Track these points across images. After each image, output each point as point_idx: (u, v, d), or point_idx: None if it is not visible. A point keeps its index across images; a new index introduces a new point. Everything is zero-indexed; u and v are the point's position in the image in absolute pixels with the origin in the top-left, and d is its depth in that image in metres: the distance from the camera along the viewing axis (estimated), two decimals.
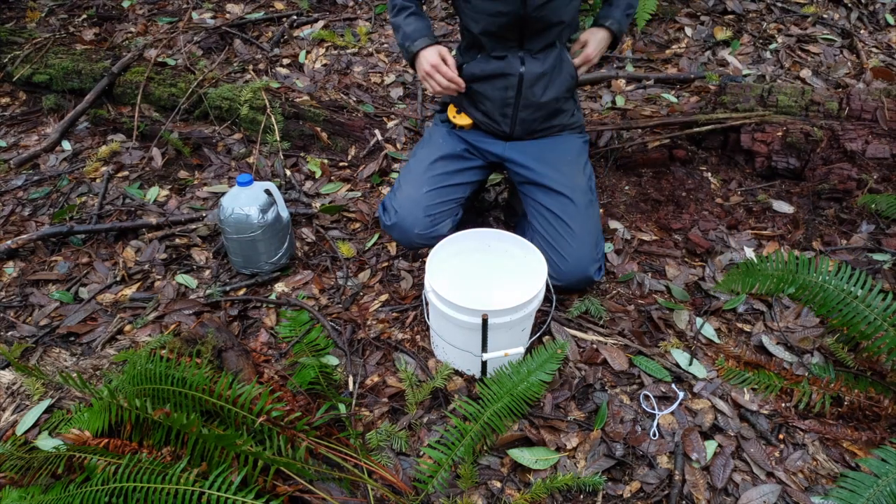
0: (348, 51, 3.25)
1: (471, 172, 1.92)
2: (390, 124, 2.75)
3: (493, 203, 2.32)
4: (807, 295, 1.54)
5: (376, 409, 1.64)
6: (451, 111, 1.93)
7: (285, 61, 3.15)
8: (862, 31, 3.19)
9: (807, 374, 1.70)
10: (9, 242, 2.13)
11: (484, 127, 1.89)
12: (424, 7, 1.86)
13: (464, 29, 1.80)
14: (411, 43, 1.74)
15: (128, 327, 1.89)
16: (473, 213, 2.19)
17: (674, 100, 2.79)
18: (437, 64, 1.70)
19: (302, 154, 2.60)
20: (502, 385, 1.52)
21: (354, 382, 1.70)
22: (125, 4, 3.55)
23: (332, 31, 3.37)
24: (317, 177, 2.50)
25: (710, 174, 2.43)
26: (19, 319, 1.94)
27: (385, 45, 3.31)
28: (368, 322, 1.88)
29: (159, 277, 2.07)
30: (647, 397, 1.65)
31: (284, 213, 2.01)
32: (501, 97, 1.79)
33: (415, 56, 1.74)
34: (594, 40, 1.83)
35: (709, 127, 2.44)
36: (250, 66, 3.06)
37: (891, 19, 3.27)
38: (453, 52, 1.81)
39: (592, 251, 1.81)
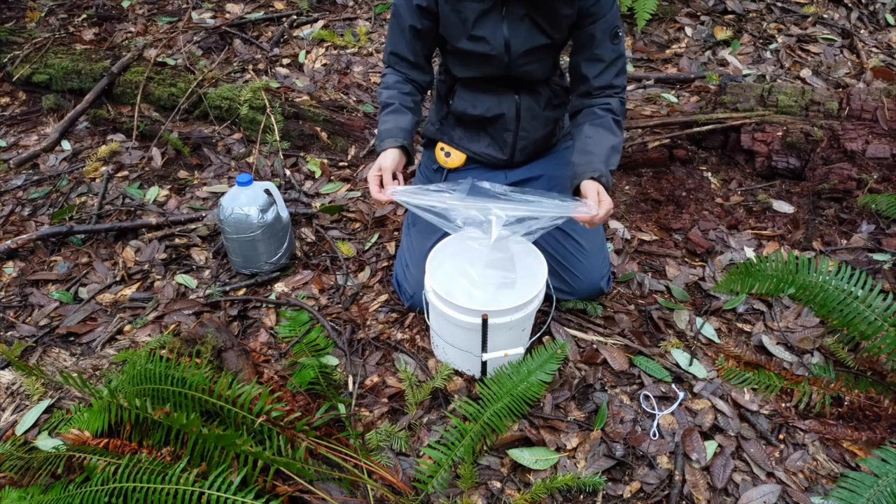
0: (348, 51, 3.25)
1: None
2: None
3: None
4: (807, 295, 1.53)
5: (376, 409, 1.64)
6: (440, 155, 1.84)
7: (285, 61, 3.15)
8: (862, 31, 3.19)
9: (807, 374, 1.70)
10: (8, 242, 2.13)
11: (481, 159, 1.82)
12: (419, 97, 1.75)
13: (448, 71, 1.75)
14: (379, 143, 1.64)
15: (127, 327, 1.89)
16: None
17: (674, 100, 2.79)
18: (375, 177, 1.55)
19: (302, 154, 2.60)
20: (502, 385, 1.52)
21: (354, 382, 1.70)
22: (125, 4, 3.54)
23: (331, 30, 3.37)
24: (317, 177, 2.50)
25: (710, 174, 2.43)
26: (19, 319, 1.94)
27: (384, 45, 3.31)
28: (368, 322, 1.88)
29: (159, 277, 2.07)
30: (647, 397, 1.65)
31: (284, 213, 2.01)
32: (500, 124, 1.74)
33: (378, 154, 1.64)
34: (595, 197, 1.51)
35: (709, 127, 2.44)
36: (250, 66, 3.06)
37: (891, 19, 3.27)
38: (426, 117, 1.75)
39: (602, 264, 1.81)
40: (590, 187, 1.50)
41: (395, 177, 1.57)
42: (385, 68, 1.77)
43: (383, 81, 1.74)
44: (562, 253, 1.78)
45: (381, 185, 1.54)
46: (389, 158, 1.57)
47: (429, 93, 1.85)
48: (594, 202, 1.46)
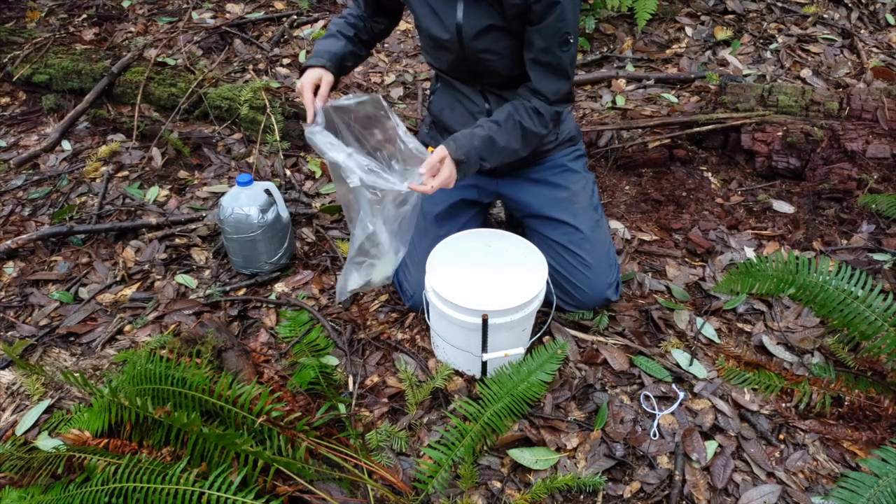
0: None
1: (471, 223, 1.87)
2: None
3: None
4: (807, 295, 1.53)
5: (376, 410, 1.64)
6: None
7: (285, 61, 3.15)
8: (862, 31, 3.19)
9: (807, 374, 1.70)
10: (9, 242, 2.13)
11: None
12: (366, 36, 1.76)
13: (431, 67, 1.76)
14: (307, 59, 1.66)
15: (128, 327, 1.89)
16: None
17: (674, 100, 2.79)
18: (305, 86, 1.58)
19: (302, 154, 2.60)
20: (502, 385, 1.52)
21: (354, 382, 1.70)
22: (125, 4, 3.54)
23: None
24: (317, 176, 2.50)
25: (710, 174, 2.43)
26: (19, 319, 1.94)
27: (385, 45, 3.31)
28: (368, 322, 1.88)
29: (159, 277, 2.07)
30: (647, 397, 1.65)
31: (284, 213, 2.01)
32: (472, 116, 1.71)
33: (302, 71, 1.65)
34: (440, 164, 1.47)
35: (709, 127, 2.44)
36: (250, 66, 3.06)
37: (891, 19, 3.26)
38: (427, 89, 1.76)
39: (608, 274, 1.78)
40: (437, 152, 1.45)
41: (316, 93, 1.59)
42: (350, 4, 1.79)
43: (340, 14, 1.80)
44: (564, 266, 1.76)
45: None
46: (309, 76, 1.60)
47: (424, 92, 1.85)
48: (427, 168, 1.43)
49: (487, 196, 1.89)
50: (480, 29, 1.52)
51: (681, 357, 1.74)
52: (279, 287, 2.01)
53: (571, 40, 1.51)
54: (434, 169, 1.44)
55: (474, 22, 1.52)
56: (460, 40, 1.56)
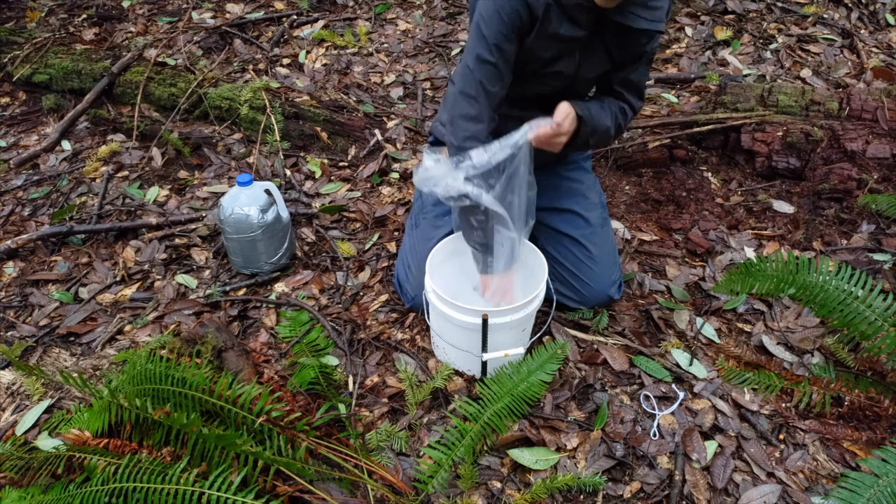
0: (348, 50, 3.25)
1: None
2: (390, 124, 2.75)
3: None
4: (807, 295, 1.53)
5: (376, 410, 1.64)
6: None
7: (285, 61, 3.15)
8: (862, 31, 3.19)
9: (807, 374, 1.70)
10: (9, 242, 2.13)
11: None
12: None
13: None
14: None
15: (128, 327, 1.89)
16: None
17: (674, 100, 2.79)
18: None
19: (302, 154, 2.60)
20: (502, 385, 1.52)
21: (354, 382, 1.70)
22: (125, 4, 3.54)
23: (332, 30, 3.37)
24: (317, 177, 2.50)
25: (710, 174, 2.43)
26: (19, 319, 1.94)
27: (385, 45, 3.31)
28: (368, 322, 1.88)
29: (159, 277, 2.07)
30: (647, 397, 1.65)
31: (284, 213, 2.01)
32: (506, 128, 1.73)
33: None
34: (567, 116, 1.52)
35: (709, 127, 2.44)
36: (250, 66, 3.06)
37: (891, 19, 3.26)
38: None
39: (612, 271, 1.80)
40: (563, 106, 1.48)
41: None
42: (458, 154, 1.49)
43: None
44: (571, 260, 1.77)
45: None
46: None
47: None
48: (561, 116, 1.46)
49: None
50: (596, 74, 1.58)
51: (681, 357, 1.74)
52: (279, 287, 2.01)
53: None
54: (565, 116, 1.47)
55: (590, 67, 1.56)
56: (574, 78, 1.57)
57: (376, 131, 2.65)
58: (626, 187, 2.40)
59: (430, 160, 1.48)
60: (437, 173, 1.46)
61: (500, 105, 1.53)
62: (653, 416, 1.60)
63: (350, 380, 1.70)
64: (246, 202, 1.90)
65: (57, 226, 2.22)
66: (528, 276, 1.68)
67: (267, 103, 2.62)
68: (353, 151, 2.62)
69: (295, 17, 3.46)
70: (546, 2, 1.40)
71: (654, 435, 1.56)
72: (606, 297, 1.81)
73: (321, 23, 3.42)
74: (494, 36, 1.43)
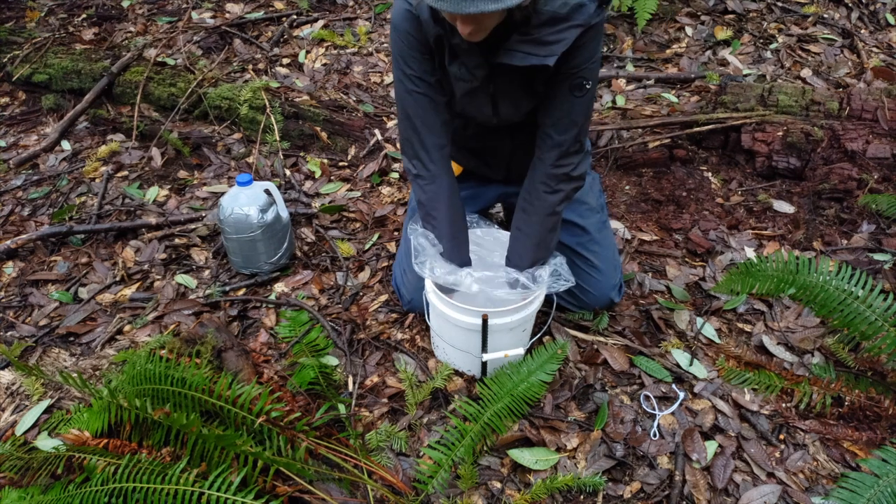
0: (348, 50, 3.25)
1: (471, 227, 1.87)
2: (390, 124, 2.74)
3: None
4: (807, 295, 1.53)
5: (376, 410, 1.64)
6: None
7: (285, 61, 3.15)
8: (862, 31, 3.19)
9: (807, 374, 1.70)
10: (8, 242, 2.13)
11: (478, 172, 1.81)
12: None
13: None
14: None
15: (127, 327, 1.89)
16: None
17: (674, 99, 2.79)
18: None
19: (302, 154, 2.60)
20: (502, 385, 1.52)
21: (354, 383, 1.70)
22: (125, 4, 3.54)
23: (331, 30, 3.37)
24: (316, 176, 2.50)
25: (710, 174, 2.43)
26: (19, 319, 1.94)
27: (385, 45, 3.31)
28: (368, 322, 1.88)
29: (159, 277, 2.06)
30: (647, 397, 1.65)
31: (284, 213, 2.01)
32: (494, 154, 1.73)
33: None
34: None
35: (709, 127, 2.44)
36: (250, 66, 3.06)
37: (891, 19, 3.26)
38: None
39: (613, 276, 1.78)
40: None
41: None
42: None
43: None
44: (573, 270, 1.73)
45: None
46: None
47: None
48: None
49: (488, 201, 1.89)
50: (521, 114, 1.52)
51: (681, 357, 1.74)
52: (279, 287, 2.01)
53: (587, 85, 1.49)
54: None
55: (510, 110, 1.51)
56: (497, 119, 1.54)
57: (376, 131, 2.65)
58: (627, 187, 2.40)
59: (417, 240, 1.59)
60: (430, 254, 1.57)
61: (453, 121, 1.56)
62: (653, 417, 1.60)
63: (350, 380, 1.70)
64: (246, 202, 1.90)
65: (56, 226, 2.21)
66: (528, 277, 1.68)
67: (267, 103, 2.62)
68: (352, 151, 2.62)
69: (295, 16, 3.45)
70: (437, 32, 1.35)
71: (655, 435, 1.56)
72: (608, 301, 1.80)
73: (321, 23, 3.42)
74: (405, 63, 1.43)
